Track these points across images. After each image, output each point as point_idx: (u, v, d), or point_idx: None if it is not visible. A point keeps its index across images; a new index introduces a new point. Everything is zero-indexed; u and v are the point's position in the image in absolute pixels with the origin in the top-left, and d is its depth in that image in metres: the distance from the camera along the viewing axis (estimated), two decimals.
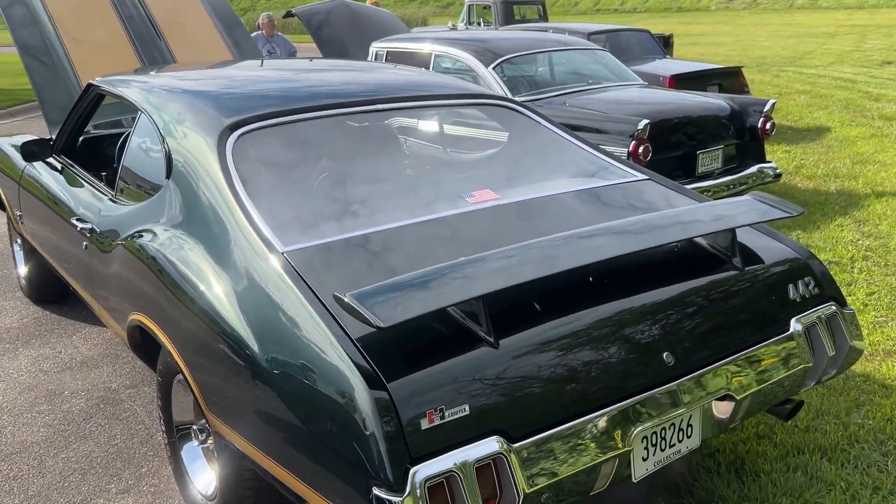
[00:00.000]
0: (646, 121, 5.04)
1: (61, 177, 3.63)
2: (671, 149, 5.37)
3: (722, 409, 2.26)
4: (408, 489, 1.66)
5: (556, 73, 6.61)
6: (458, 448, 1.75)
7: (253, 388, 2.02)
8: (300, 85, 3.17)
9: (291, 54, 9.71)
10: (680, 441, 2.20)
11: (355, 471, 1.72)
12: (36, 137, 3.82)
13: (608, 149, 5.13)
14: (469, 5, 16.78)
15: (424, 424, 1.73)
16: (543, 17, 16.20)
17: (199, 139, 2.59)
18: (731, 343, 2.26)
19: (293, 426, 1.91)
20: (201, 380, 2.24)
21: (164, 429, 2.76)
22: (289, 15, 8.52)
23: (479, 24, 16.29)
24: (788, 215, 2.52)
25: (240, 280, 2.16)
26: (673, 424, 2.17)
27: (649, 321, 2.14)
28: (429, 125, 3.27)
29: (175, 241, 2.46)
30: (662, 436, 2.15)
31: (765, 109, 5.69)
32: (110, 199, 3.11)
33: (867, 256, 4.88)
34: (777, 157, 7.65)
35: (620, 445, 1.99)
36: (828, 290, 2.53)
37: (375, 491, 1.68)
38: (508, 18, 15.37)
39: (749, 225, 2.50)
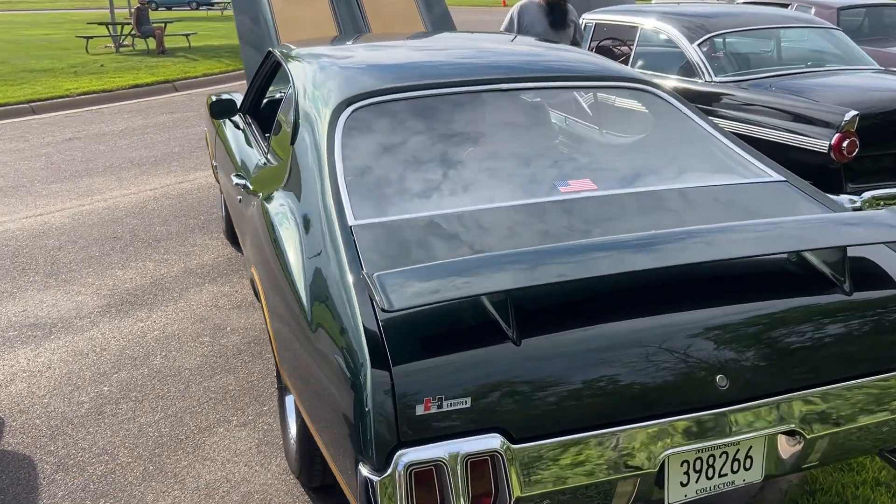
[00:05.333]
0: (854, 112, 4.50)
1: (240, 134, 4.02)
2: (885, 146, 4.75)
3: (789, 447, 2.04)
4: (389, 471, 1.71)
5: (775, 53, 6.08)
6: (453, 439, 1.76)
7: (300, 347, 2.16)
8: (438, 60, 3.23)
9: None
10: (735, 472, 2.03)
11: (350, 444, 1.80)
12: (227, 96, 4.24)
13: (808, 141, 4.74)
14: None
15: (419, 410, 1.75)
16: None
17: (320, 110, 2.75)
18: (811, 374, 2.02)
19: (320, 391, 2.02)
20: (276, 334, 2.43)
21: (276, 375, 3.02)
22: None
23: None
24: None
25: (311, 246, 2.29)
26: (725, 453, 2.00)
27: (707, 338, 1.97)
28: (556, 107, 3.19)
29: (282, 204, 2.65)
30: (710, 463, 2.00)
31: None
32: (263, 160, 3.39)
33: None
34: None
35: (645, 466, 1.88)
36: None
37: (360, 466, 1.74)
38: None
39: (871, 244, 2.20)
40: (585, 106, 3.38)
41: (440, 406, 1.77)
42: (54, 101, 10.85)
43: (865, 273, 2.24)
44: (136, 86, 11.92)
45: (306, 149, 2.70)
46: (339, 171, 2.47)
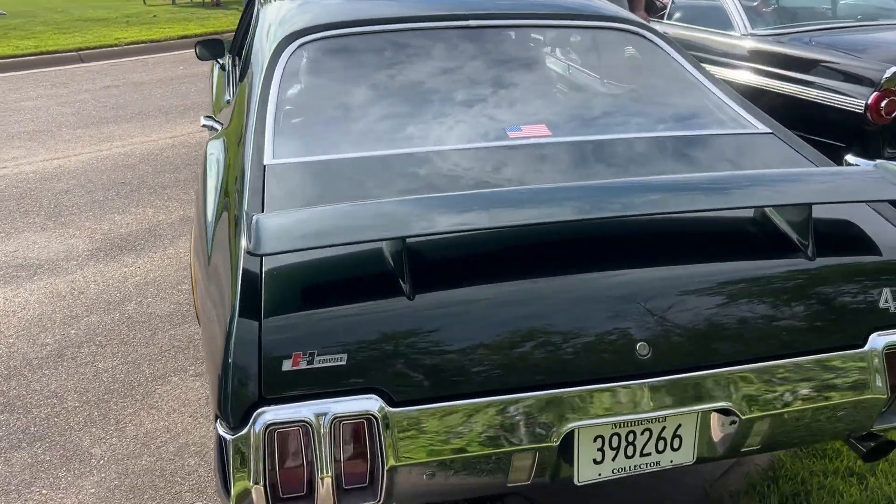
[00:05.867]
0: (894, 68, 4.10)
1: (224, 76, 3.87)
2: None
3: (724, 428, 1.81)
4: (244, 430, 1.54)
5: (828, 6, 5.61)
6: (324, 399, 1.59)
7: (201, 290, 2.01)
8: None
9: None
10: (660, 452, 1.81)
11: (213, 398, 1.65)
12: (214, 38, 4.09)
13: (844, 100, 4.33)
14: None
15: (286, 366, 1.58)
16: None
17: (266, 46, 2.57)
18: (752, 348, 1.77)
19: (207, 339, 1.87)
20: (193, 276, 2.30)
21: None
22: None
23: None
24: None
25: (226, 187, 2.15)
26: (648, 430, 1.78)
27: (629, 301, 1.73)
28: (525, 48, 2.92)
29: (217, 145, 2.51)
30: (630, 440, 1.78)
31: None
32: (227, 101, 3.25)
33: None
34: None
35: (543, 440, 1.67)
36: None
37: (217, 424, 1.59)
38: None
39: (840, 202, 1.93)
40: (561, 47, 3.11)
41: (311, 362, 1.59)
42: (102, 49, 10.93)
43: (838, 237, 1.97)
44: (184, 37, 11.92)
45: (248, 86, 2.54)
46: (271, 109, 2.30)
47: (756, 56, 4.88)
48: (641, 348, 1.70)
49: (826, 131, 4.35)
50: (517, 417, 1.65)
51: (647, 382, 1.70)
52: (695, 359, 1.74)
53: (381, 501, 1.65)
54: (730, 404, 1.74)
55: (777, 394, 1.77)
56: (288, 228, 1.64)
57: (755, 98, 4.16)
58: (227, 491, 1.55)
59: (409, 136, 2.27)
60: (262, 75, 2.42)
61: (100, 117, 7.21)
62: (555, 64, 3.03)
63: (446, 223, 1.68)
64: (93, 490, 2.47)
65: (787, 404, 1.78)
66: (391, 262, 1.72)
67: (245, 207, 1.93)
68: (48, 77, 9.36)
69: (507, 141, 2.25)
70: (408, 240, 1.66)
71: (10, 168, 5.72)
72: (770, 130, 2.41)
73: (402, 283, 1.67)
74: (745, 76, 4.84)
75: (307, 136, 2.27)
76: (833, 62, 4.44)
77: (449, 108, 2.42)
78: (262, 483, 1.54)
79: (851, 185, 1.94)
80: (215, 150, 2.48)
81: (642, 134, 2.37)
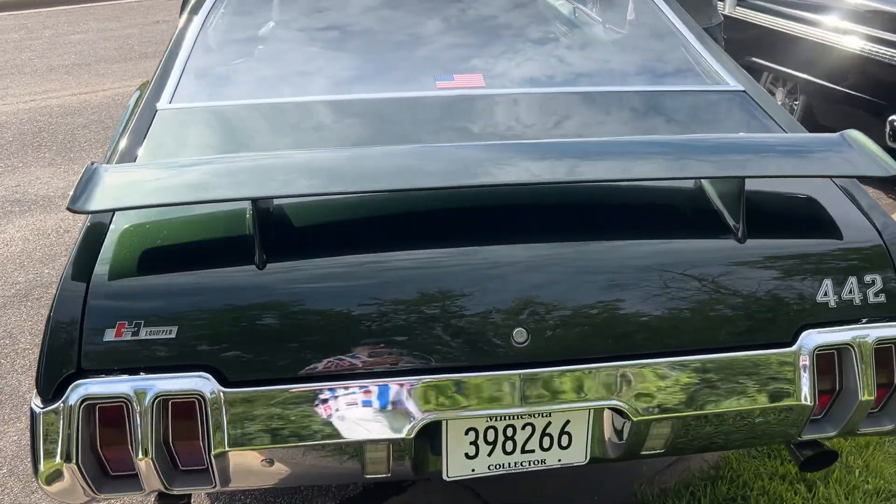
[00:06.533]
0: None
1: None
2: None
3: (618, 428, 1.60)
4: (55, 404, 1.42)
5: None
6: (148, 374, 1.45)
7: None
8: None
9: None
10: (546, 449, 1.61)
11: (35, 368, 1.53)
12: None
13: (874, 56, 3.84)
14: None
15: (108, 336, 1.44)
16: None
17: None
18: (656, 341, 1.53)
19: None
20: None
21: None
22: None
23: None
24: (858, 174, 1.62)
25: (125, 129, 2.02)
26: (530, 425, 1.59)
27: (508, 282, 1.52)
28: None
29: (138, 89, 2.40)
30: (509, 435, 1.59)
31: None
32: None
33: None
34: None
35: (396, 431, 1.49)
36: None
37: (33, 396, 1.47)
38: None
39: (776, 177, 1.67)
40: None
41: (136, 333, 1.45)
42: None
43: (778, 217, 1.71)
44: None
45: (177, 29, 2.39)
46: (184, 52, 2.16)
47: None
48: (518, 335, 1.49)
49: (872, 91, 3.93)
50: (366, 406, 1.48)
51: (523, 374, 1.50)
52: (581, 350, 1.52)
53: (218, 486, 1.52)
54: (619, 403, 1.53)
55: (679, 395, 1.54)
56: (120, 185, 1.50)
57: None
58: (36, 470, 1.44)
59: (324, 83, 2.10)
60: (185, 18, 2.30)
61: (140, 52, 7.20)
62: (517, 8, 2.75)
63: (299, 187, 1.51)
64: (15, 437, 2.43)
65: (691, 407, 1.55)
66: (244, 229, 1.55)
67: (117, 154, 1.81)
68: (103, 10, 9.42)
69: (430, 91, 2.04)
70: (259, 204, 1.49)
71: (38, 101, 5.76)
72: (743, 89, 2.11)
73: (252, 251, 1.51)
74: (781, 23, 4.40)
75: (217, 81, 2.12)
76: (887, 9, 3.97)
77: (380, 53, 2.22)
78: (74, 461, 1.42)
79: (799, 158, 1.67)
80: (136, 95, 2.36)
81: (593, 88, 2.12)
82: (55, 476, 1.44)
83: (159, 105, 1.96)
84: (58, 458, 1.42)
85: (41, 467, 1.43)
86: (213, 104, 2.00)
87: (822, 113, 4.34)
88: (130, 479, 1.50)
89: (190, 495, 1.65)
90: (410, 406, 1.49)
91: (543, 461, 1.62)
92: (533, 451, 1.61)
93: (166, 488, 1.50)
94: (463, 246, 1.57)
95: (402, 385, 1.48)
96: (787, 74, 4.44)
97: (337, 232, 1.60)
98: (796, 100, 4.50)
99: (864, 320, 1.57)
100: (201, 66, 2.14)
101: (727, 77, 2.15)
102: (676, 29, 2.32)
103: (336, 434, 1.48)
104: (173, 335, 1.45)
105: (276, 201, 1.59)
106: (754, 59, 4.61)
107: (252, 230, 1.50)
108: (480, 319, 1.50)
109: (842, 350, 1.57)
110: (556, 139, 1.80)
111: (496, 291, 1.51)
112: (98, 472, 1.48)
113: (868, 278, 1.59)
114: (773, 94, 4.55)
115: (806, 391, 1.56)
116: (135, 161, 1.80)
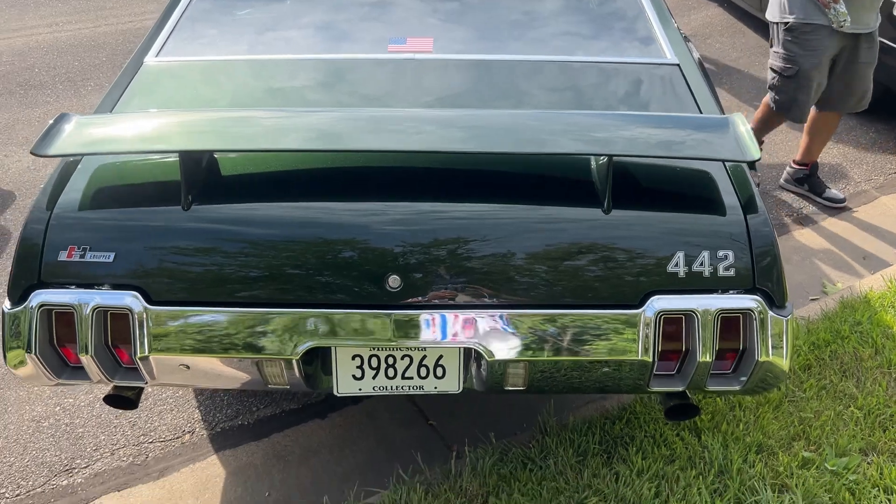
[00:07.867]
0: None
1: None
2: None
3: (480, 366, 1.89)
4: (20, 307, 1.77)
5: None
6: (88, 289, 1.79)
7: None
8: None
9: None
10: (423, 377, 1.92)
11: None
12: None
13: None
14: None
15: (62, 256, 1.78)
16: None
17: None
18: (515, 294, 1.79)
19: None
20: None
21: None
22: None
23: None
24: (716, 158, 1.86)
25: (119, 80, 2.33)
26: (408, 357, 1.90)
27: (388, 233, 1.80)
28: None
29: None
30: (390, 363, 1.91)
31: None
32: None
33: None
34: None
35: (285, 352, 1.80)
36: (759, 280, 1.79)
37: (5, 300, 1.83)
38: None
39: (647, 157, 1.87)
40: None
41: (83, 256, 1.79)
42: None
43: (647, 191, 1.92)
44: None
45: None
46: (180, 7, 2.49)
47: None
48: (392, 281, 1.78)
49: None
50: (261, 329, 1.79)
51: (395, 314, 1.79)
52: (448, 298, 1.79)
53: (149, 382, 1.87)
54: (476, 345, 1.81)
55: (531, 342, 1.80)
56: (75, 134, 1.81)
57: None
58: (5, 357, 1.80)
59: (298, 41, 2.40)
60: None
61: None
62: None
63: (213, 142, 1.83)
64: None
65: (541, 354, 1.81)
66: (175, 175, 1.86)
67: (100, 104, 2.13)
68: None
69: (380, 54, 2.30)
70: (184, 155, 1.80)
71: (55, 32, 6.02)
72: (677, 62, 2.31)
73: (180, 194, 1.83)
74: None
75: (204, 37, 2.42)
76: None
77: (354, 13, 2.49)
78: (34, 352, 1.77)
79: (669, 140, 1.85)
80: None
81: (532, 57, 2.33)
82: (20, 363, 1.80)
83: (146, 59, 2.28)
84: (21, 350, 1.78)
85: (9, 355, 1.80)
86: (194, 59, 2.30)
87: None
88: (83, 371, 1.84)
89: (135, 401, 2.00)
90: (299, 331, 1.79)
91: (422, 387, 1.93)
92: (412, 378, 1.92)
93: (108, 380, 1.84)
94: (354, 202, 1.87)
95: (294, 314, 1.79)
96: None
97: (251, 183, 1.91)
98: None
99: (717, 291, 1.78)
100: (196, 22, 2.44)
101: (667, 50, 2.34)
102: (636, 1, 2.52)
103: (235, 349, 1.80)
104: (111, 259, 1.79)
105: (202, 154, 1.89)
106: None
107: (182, 176, 1.81)
108: (362, 265, 1.79)
109: (687, 316, 1.78)
110: (432, 109, 2.06)
111: (378, 241, 1.80)
112: (58, 363, 1.83)
113: (721, 253, 1.78)
114: None
115: (646, 349, 1.78)
116: (111, 112, 2.11)
